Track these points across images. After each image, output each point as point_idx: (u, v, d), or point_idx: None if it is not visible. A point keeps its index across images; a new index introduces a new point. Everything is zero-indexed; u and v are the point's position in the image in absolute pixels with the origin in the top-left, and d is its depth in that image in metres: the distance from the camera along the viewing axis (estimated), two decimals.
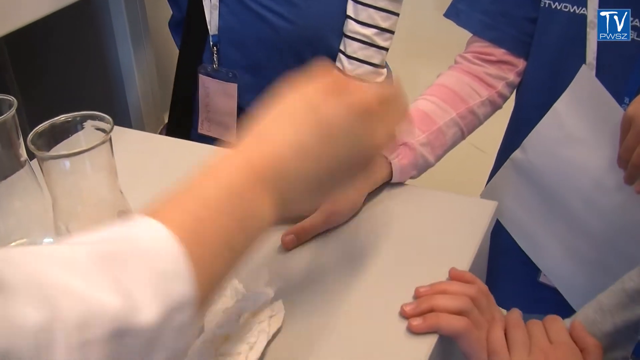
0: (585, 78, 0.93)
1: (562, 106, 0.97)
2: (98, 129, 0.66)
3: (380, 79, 1.34)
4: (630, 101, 0.90)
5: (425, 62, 3.18)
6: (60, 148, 0.65)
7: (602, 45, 0.91)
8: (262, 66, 1.32)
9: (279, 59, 1.30)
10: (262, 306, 0.71)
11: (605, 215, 0.97)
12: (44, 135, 0.64)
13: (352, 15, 1.29)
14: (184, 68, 1.39)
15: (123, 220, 0.52)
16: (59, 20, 1.40)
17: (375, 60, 1.32)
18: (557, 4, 0.95)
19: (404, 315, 0.72)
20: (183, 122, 1.44)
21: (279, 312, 0.72)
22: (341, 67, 1.31)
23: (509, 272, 1.12)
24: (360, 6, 1.27)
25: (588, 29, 0.91)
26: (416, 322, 0.70)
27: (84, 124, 0.66)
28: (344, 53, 1.31)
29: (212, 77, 1.35)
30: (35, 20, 1.29)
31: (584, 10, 0.92)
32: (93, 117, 0.66)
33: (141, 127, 1.68)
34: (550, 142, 1.01)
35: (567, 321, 0.81)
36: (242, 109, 1.36)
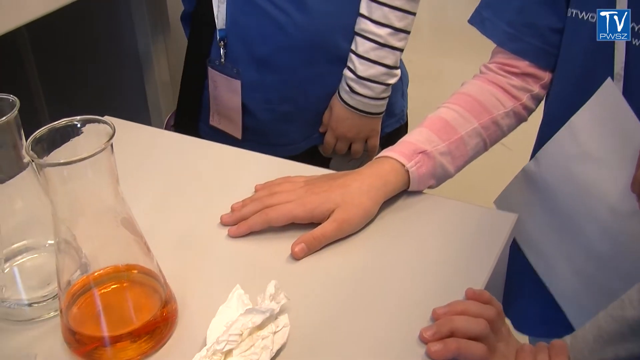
0: (609, 93, 0.87)
1: (580, 121, 0.91)
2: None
3: (394, 80, 1.29)
4: None
5: (453, 55, 3.14)
6: (60, 152, 0.63)
7: (631, 57, 0.86)
8: (267, 63, 1.27)
9: (285, 57, 1.26)
10: (267, 321, 0.68)
11: (615, 240, 0.91)
12: (43, 140, 0.61)
13: (366, 14, 1.22)
14: (192, 60, 1.36)
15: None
16: (80, 10, 1.38)
17: (389, 62, 1.26)
18: (584, 13, 0.89)
19: (424, 340, 0.67)
20: (191, 113, 1.42)
21: (284, 328, 0.68)
22: (352, 68, 1.26)
23: (526, 291, 1.08)
24: (374, 4, 1.21)
25: None
26: (435, 347, 0.66)
27: (85, 128, 0.64)
28: (355, 53, 1.25)
29: (219, 72, 1.31)
30: (57, 11, 1.27)
31: None
32: (94, 121, 0.63)
33: (159, 119, 1.67)
34: (564, 157, 0.95)
35: (567, 338, 0.78)
36: (246, 107, 1.32)
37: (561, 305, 1.01)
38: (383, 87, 1.27)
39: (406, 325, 0.70)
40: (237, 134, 1.35)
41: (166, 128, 1.53)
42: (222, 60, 1.29)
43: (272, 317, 0.68)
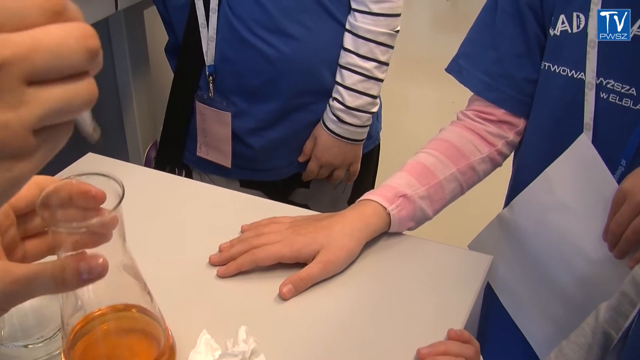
0: (583, 146, 0.94)
1: (554, 172, 0.98)
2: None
3: (376, 108, 1.40)
4: (627, 164, 0.91)
5: (416, 81, 3.20)
6: None
7: (600, 109, 0.92)
8: (256, 94, 1.35)
9: (273, 87, 1.34)
10: None
11: (589, 286, 0.97)
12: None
13: (352, 49, 1.33)
14: (179, 93, 1.43)
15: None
16: None
17: (373, 92, 1.36)
18: (555, 67, 0.96)
19: None
20: (176, 144, 1.48)
21: None
22: (340, 99, 1.35)
23: (499, 333, 1.12)
24: (361, 40, 1.31)
25: (586, 90, 0.92)
26: None
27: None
28: (342, 85, 1.35)
29: (208, 105, 1.38)
30: None
31: (582, 75, 0.93)
32: (101, 175, 0.65)
33: (137, 153, 1.68)
34: (538, 206, 1.02)
35: None
36: (236, 135, 1.39)
37: (533, 346, 1.05)
38: (368, 115, 1.39)
39: None
40: (227, 163, 1.43)
41: (146, 160, 1.54)
42: (211, 94, 1.36)
43: (246, 359, 0.71)
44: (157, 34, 1.61)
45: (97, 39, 0.35)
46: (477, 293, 0.87)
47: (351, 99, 1.35)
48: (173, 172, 1.46)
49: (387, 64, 1.36)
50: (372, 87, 1.35)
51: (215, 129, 1.40)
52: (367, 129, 1.42)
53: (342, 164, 1.45)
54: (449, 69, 1.09)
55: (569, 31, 0.94)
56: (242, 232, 0.95)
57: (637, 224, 0.86)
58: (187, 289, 0.87)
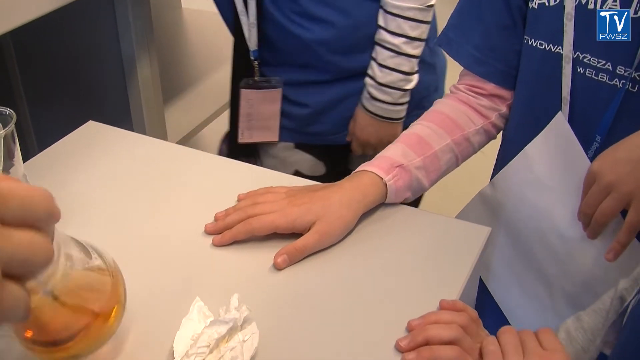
0: (559, 125, 0.95)
1: (533, 150, 0.99)
2: None
3: (411, 85, 1.39)
4: (602, 140, 0.91)
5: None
6: None
7: (577, 83, 0.92)
8: (303, 67, 1.39)
9: (318, 66, 1.37)
10: (232, 331, 0.71)
11: (563, 264, 0.98)
12: None
13: (383, 25, 1.34)
14: (235, 83, 1.47)
15: None
16: (64, 15, 1.39)
17: (405, 68, 1.36)
18: (533, 40, 0.97)
19: (400, 350, 0.73)
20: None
21: (253, 335, 0.72)
22: (372, 74, 1.37)
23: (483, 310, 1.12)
24: (389, 16, 1.32)
25: (564, 64, 0.93)
26: (410, 356, 0.72)
27: None
28: (375, 60, 1.37)
29: (253, 89, 1.42)
30: (41, 17, 1.28)
31: (559, 49, 0.93)
32: None
33: (141, 122, 1.67)
34: (519, 183, 1.03)
35: None
36: (286, 97, 1.43)
37: (510, 322, 1.06)
38: (401, 92, 1.38)
39: (382, 335, 0.76)
40: (274, 137, 1.47)
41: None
42: (257, 77, 1.41)
43: (237, 327, 0.72)
44: (161, 6, 1.60)
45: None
46: (473, 264, 0.85)
47: (382, 75, 1.35)
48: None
49: (419, 40, 1.34)
50: (402, 63, 1.35)
51: (262, 109, 1.44)
52: (402, 107, 1.41)
53: (380, 144, 1.41)
54: (438, 42, 1.09)
55: (546, 4, 0.94)
56: (238, 200, 0.96)
57: (605, 206, 0.86)
58: (181, 257, 0.87)
